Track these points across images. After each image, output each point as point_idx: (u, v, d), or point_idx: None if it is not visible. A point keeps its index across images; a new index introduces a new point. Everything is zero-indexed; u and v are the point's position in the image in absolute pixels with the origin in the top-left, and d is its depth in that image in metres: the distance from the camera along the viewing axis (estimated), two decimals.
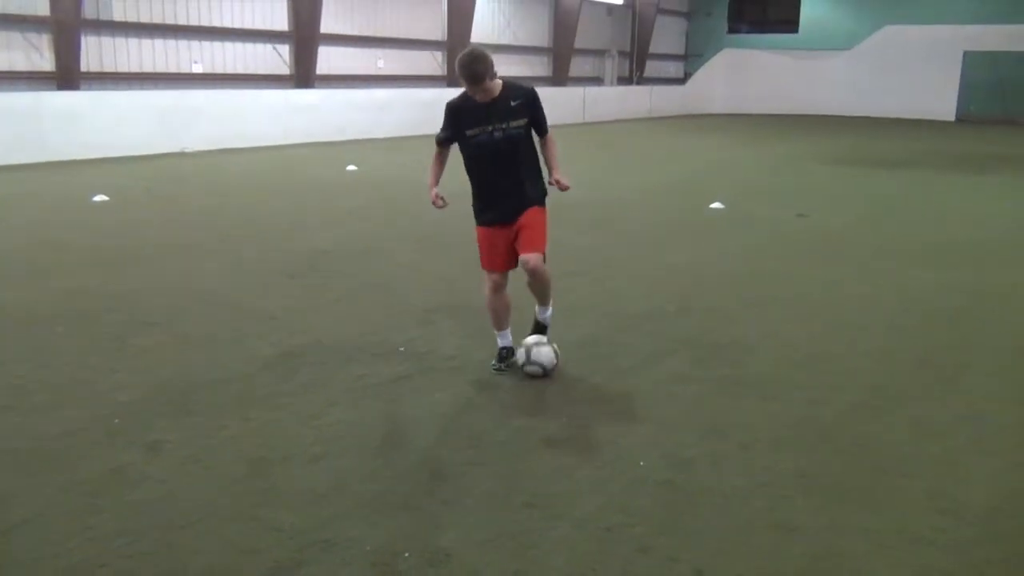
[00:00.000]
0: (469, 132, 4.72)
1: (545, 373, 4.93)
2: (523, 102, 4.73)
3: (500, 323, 5.10)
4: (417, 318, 6.07)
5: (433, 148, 4.93)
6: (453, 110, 4.79)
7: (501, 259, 4.91)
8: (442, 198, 4.79)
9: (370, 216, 10.27)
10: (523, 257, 4.79)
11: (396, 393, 4.67)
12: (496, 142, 4.70)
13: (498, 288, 4.97)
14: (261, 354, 5.26)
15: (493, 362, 5.12)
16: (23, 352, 5.23)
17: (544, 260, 4.86)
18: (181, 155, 16.18)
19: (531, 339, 5.03)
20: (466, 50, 4.59)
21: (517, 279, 5.01)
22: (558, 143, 5.03)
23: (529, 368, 4.94)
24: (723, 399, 4.69)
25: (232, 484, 3.62)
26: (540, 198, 4.90)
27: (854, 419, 4.46)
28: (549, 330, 5.19)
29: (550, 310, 5.18)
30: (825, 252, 8.63)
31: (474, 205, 4.95)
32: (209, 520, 3.32)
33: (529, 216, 4.81)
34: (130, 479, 3.64)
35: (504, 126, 4.69)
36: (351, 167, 14.86)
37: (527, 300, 5.22)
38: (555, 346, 5.02)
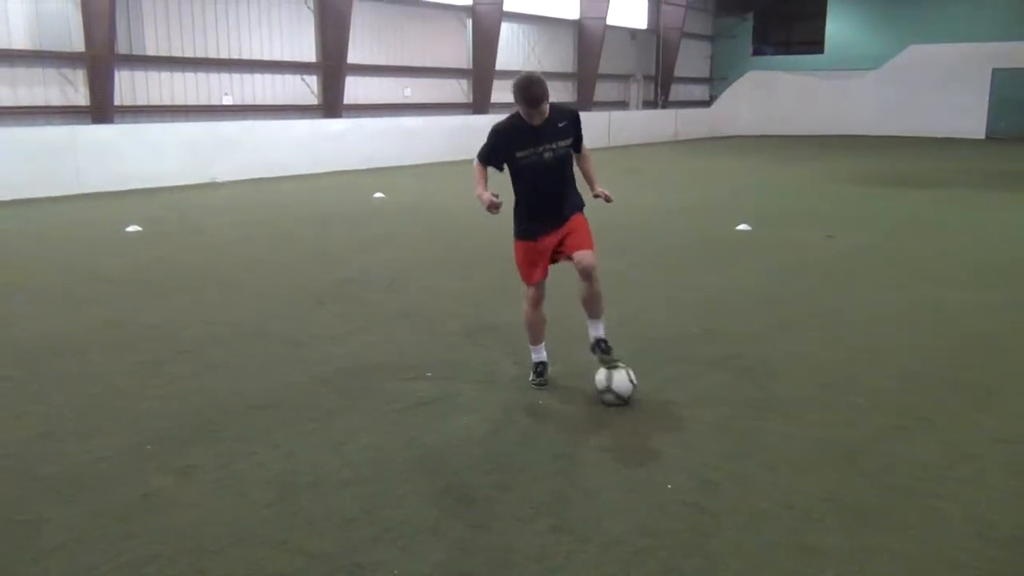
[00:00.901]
0: (519, 154, 4.88)
1: (624, 402, 4.86)
2: (569, 123, 4.95)
3: (537, 338, 5.23)
4: (444, 343, 6.11)
5: (472, 167, 5.11)
6: (501, 133, 4.93)
7: (542, 271, 5.04)
8: (496, 195, 4.86)
9: (397, 243, 10.36)
10: (577, 255, 4.86)
11: (423, 418, 4.71)
12: (546, 162, 4.89)
13: (537, 303, 5.10)
14: (290, 380, 5.32)
15: (531, 377, 5.23)
16: (60, 380, 5.33)
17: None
18: (212, 185, 16.44)
19: (606, 372, 4.89)
20: (523, 74, 4.76)
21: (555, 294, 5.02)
22: (592, 157, 5.24)
23: (607, 397, 4.86)
24: (750, 421, 4.67)
25: (262, 509, 3.66)
26: (581, 206, 5.09)
27: (883, 441, 4.42)
28: (613, 349, 5.04)
29: (602, 324, 5.08)
30: (853, 273, 8.57)
31: (517, 219, 5.07)
32: (239, 545, 3.37)
33: (574, 222, 4.99)
34: (162, 504, 3.70)
35: (554, 146, 4.88)
36: (378, 194, 15.01)
37: (564, 313, 5.22)
38: (630, 372, 4.91)
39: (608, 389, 4.87)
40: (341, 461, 4.15)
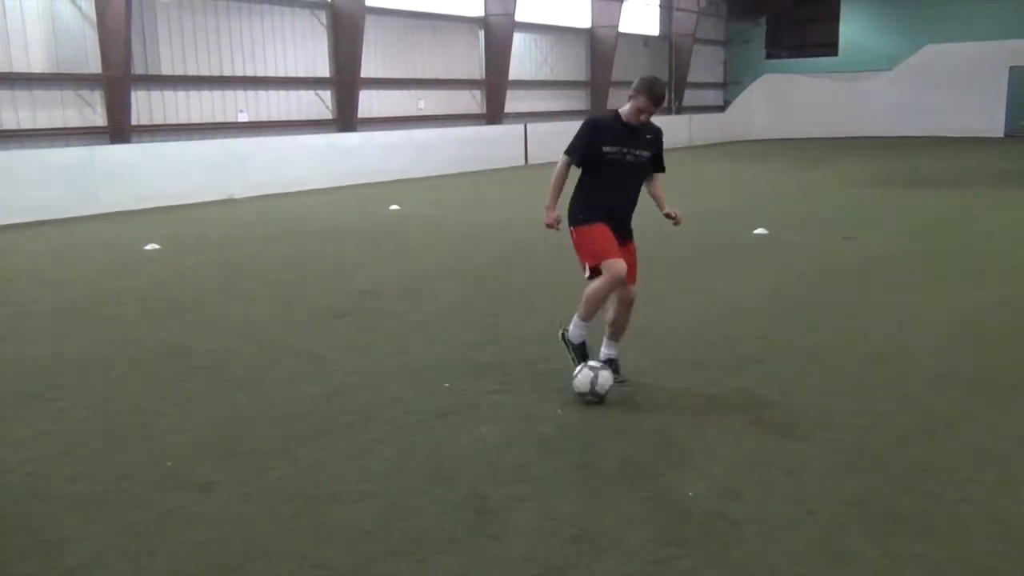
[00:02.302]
0: (606, 148, 5.05)
1: (601, 400, 4.99)
2: (654, 138, 5.19)
3: (592, 315, 5.21)
4: (461, 354, 6.10)
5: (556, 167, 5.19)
6: (594, 125, 5.15)
7: (619, 250, 5.06)
8: (559, 221, 5.23)
9: (413, 255, 10.38)
10: (628, 289, 5.16)
11: (441, 429, 4.70)
12: (627, 164, 5.10)
13: (619, 282, 5.04)
14: (308, 394, 5.33)
15: (570, 352, 5.28)
16: (81, 399, 5.36)
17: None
18: (230, 202, 16.55)
19: (586, 378, 4.99)
20: (653, 76, 5.09)
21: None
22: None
23: (590, 397, 4.99)
24: (772, 427, 4.63)
25: (282, 524, 3.66)
26: (632, 231, 5.28)
27: (907, 445, 4.37)
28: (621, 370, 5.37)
29: (618, 349, 5.39)
30: (873, 275, 8.50)
31: (580, 208, 5.18)
32: (260, 560, 3.36)
33: (631, 250, 5.23)
34: (183, 520, 3.70)
35: (637, 152, 5.10)
36: (394, 207, 15.06)
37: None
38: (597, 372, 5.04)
39: (593, 390, 4.97)
40: (360, 474, 4.14)
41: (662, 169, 5.30)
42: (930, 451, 4.27)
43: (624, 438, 4.53)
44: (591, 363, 5.07)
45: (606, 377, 4.98)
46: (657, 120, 5.22)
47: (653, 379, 5.46)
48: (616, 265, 4.97)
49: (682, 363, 5.80)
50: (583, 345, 5.27)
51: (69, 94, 16.11)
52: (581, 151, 5.11)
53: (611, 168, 5.08)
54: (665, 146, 5.27)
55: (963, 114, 32.89)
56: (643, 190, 5.30)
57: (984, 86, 32.61)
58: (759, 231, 11.06)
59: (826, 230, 11.26)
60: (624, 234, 5.20)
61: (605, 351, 5.35)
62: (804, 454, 4.25)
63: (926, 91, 33.70)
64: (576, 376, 5.02)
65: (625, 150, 5.06)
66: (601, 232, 5.07)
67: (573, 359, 5.24)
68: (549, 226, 5.25)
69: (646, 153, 5.13)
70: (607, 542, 3.43)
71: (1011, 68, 32.26)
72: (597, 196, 5.15)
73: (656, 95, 4.95)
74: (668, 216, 5.27)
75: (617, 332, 5.35)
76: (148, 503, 3.87)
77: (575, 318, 5.26)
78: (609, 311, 5.30)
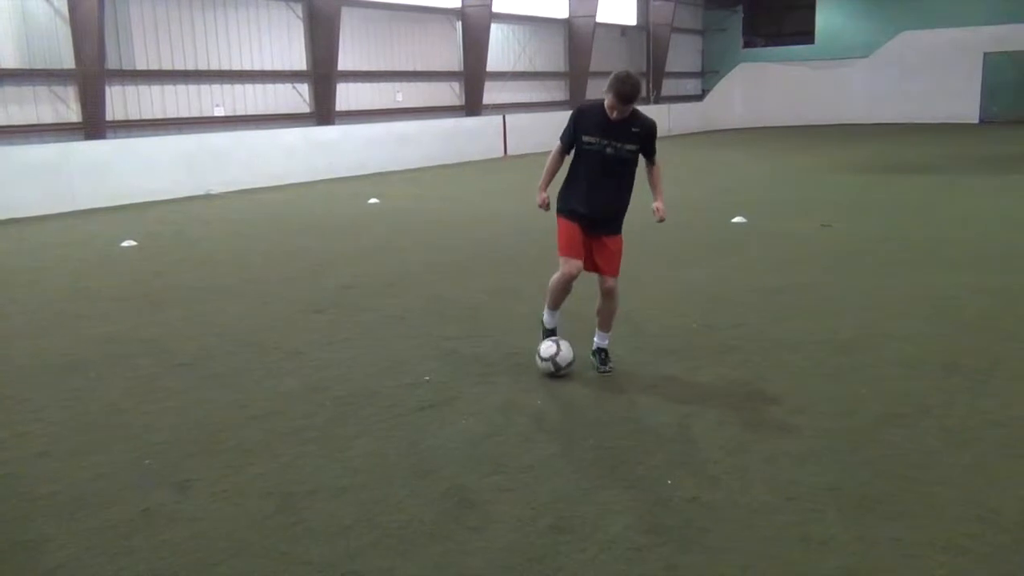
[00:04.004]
0: (586, 138, 5.09)
1: (557, 373, 5.29)
2: (641, 132, 5.11)
3: (558, 303, 5.44)
4: (442, 347, 6.11)
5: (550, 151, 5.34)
6: (579, 113, 5.19)
7: (578, 250, 5.21)
8: (549, 204, 5.29)
9: (394, 248, 10.36)
10: (608, 281, 5.24)
11: (422, 422, 4.70)
12: (607, 157, 5.07)
13: (571, 280, 5.24)
14: (288, 389, 5.32)
15: (543, 356, 5.37)
16: (58, 398, 5.32)
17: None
18: (207, 197, 16.44)
19: (549, 349, 5.30)
20: (626, 72, 4.96)
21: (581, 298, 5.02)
22: (663, 172, 5.41)
23: (565, 371, 5.28)
24: (749, 414, 4.67)
25: (262, 520, 3.65)
26: (621, 224, 5.31)
27: (883, 429, 4.42)
28: (611, 361, 5.48)
29: (609, 338, 5.47)
30: (850, 261, 8.57)
31: (563, 196, 5.27)
32: (240, 557, 3.36)
33: (614, 242, 5.26)
34: (161, 519, 3.69)
35: (618, 145, 5.06)
36: (373, 200, 15.01)
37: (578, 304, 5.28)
38: (566, 342, 5.31)
39: (552, 359, 5.27)
40: (340, 468, 4.14)
41: (651, 161, 5.27)
42: (905, 435, 4.32)
43: (603, 427, 4.55)
44: (558, 338, 5.34)
45: (566, 352, 5.24)
46: (641, 110, 5.20)
47: (632, 367, 5.48)
48: (567, 264, 5.20)
49: (660, 351, 5.83)
50: (552, 330, 5.51)
51: (42, 90, 15.92)
52: (567, 138, 5.20)
53: (591, 158, 5.10)
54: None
55: (939, 100, 33.12)
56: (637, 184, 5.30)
57: (959, 73, 32.84)
58: (737, 219, 11.12)
59: (803, 218, 11.33)
60: (606, 227, 5.21)
61: (595, 340, 5.48)
62: (781, 440, 4.29)
63: (902, 78, 33.93)
64: (540, 345, 5.34)
65: (605, 142, 5.04)
66: (567, 228, 5.23)
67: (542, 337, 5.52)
68: (540, 206, 5.31)
69: (631, 146, 5.08)
70: (587, 531, 3.45)
71: (985, 54, 32.51)
72: (577, 186, 5.21)
73: (622, 93, 4.86)
74: (655, 210, 5.28)
75: (601, 322, 5.42)
76: (126, 502, 3.85)
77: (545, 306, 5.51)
78: (598, 301, 5.41)
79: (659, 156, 5.30)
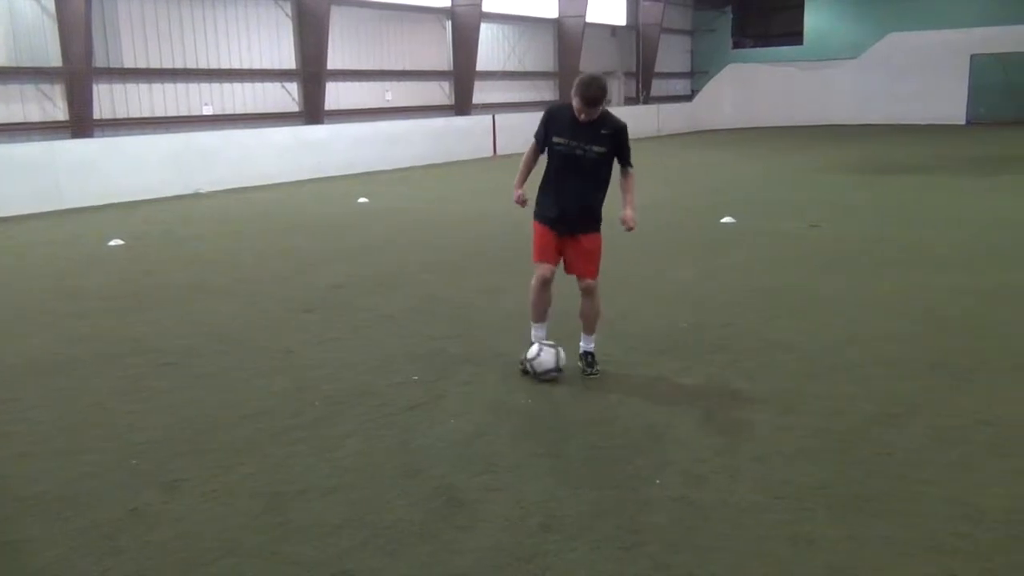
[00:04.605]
0: (555, 139, 5.09)
1: (559, 371, 5.22)
2: (611, 133, 5.05)
3: (538, 315, 5.39)
4: (431, 347, 6.10)
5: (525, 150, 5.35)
6: (548, 115, 5.20)
7: (550, 254, 5.25)
8: (526, 199, 5.29)
9: (383, 248, 10.34)
10: (584, 282, 5.22)
11: (411, 422, 4.69)
12: (576, 158, 5.06)
13: (545, 283, 5.25)
14: (277, 389, 5.30)
15: (522, 357, 5.37)
16: (44, 398, 5.28)
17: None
18: (195, 196, 16.36)
19: (530, 352, 5.27)
20: (590, 75, 4.96)
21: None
22: (636, 183, 5.34)
23: (544, 377, 5.21)
24: (738, 413, 4.68)
25: (250, 520, 3.64)
26: (598, 224, 5.26)
27: (871, 428, 4.43)
28: (597, 364, 5.42)
29: (594, 341, 5.42)
30: (839, 262, 8.60)
31: (538, 201, 5.29)
32: (228, 558, 3.34)
33: (589, 241, 5.20)
34: (149, 519, 3.67)
35: (587, 147, 5.03)
36: (363, 199, 14.98)
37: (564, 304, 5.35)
38: (554, 349, 5.25)
39: (557, 366, 5.22)
40: (330, 468, 4.13)
41: (626, 163, 5.21)
42: (893, 434, 4.34)
43: (592, 426, 4.56)
44: (547, 344, 5.31)
45: (545, 358, 5.22)
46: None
47: (621, 367, 5.49)
48: (538, 269, 5.25)
49: (650, 351, 5.84)
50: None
51: (29, 88, 15.82)
52: (540, 137, 5.21)
53: (561, 160, 5.09)
54: (633, 135, 5.24)
55: (926, 102, 33.27)
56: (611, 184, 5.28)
57: (946, 74, 33.00)
58: (726, 220, 11.15)
59: (792, 218, 11.37)
60: (580, 226, 5.17)
61: (581, 344, 5.44)
62: (770, 440, 4.30)
63: (890, 79, 34.07)
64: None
65: (575, 143, 5.02)
66: (539, 234, 5.27)
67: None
68: (516, 203, 5.34)
69: (600, 148, 5.03)
70: (575, 530, 3.45)
71: (972, 56, 32.68)
72: (548, 188, 5.24)
73: (588, 96, 4.83)
74: (622, 220, 5.19)
75: (584, 325, 5.38)
76: (113, 502, 3.83)
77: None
78: (579, 303, 5.38)
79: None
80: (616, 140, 5.08)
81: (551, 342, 5.30)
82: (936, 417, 4.55)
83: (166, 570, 3.26)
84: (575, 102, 4.90)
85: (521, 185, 5.32)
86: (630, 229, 5.20)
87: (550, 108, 5.25)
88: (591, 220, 5.20)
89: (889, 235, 10.00)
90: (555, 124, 5.09)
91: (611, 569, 3.17)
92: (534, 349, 5.26)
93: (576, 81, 4.91)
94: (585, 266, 5.22)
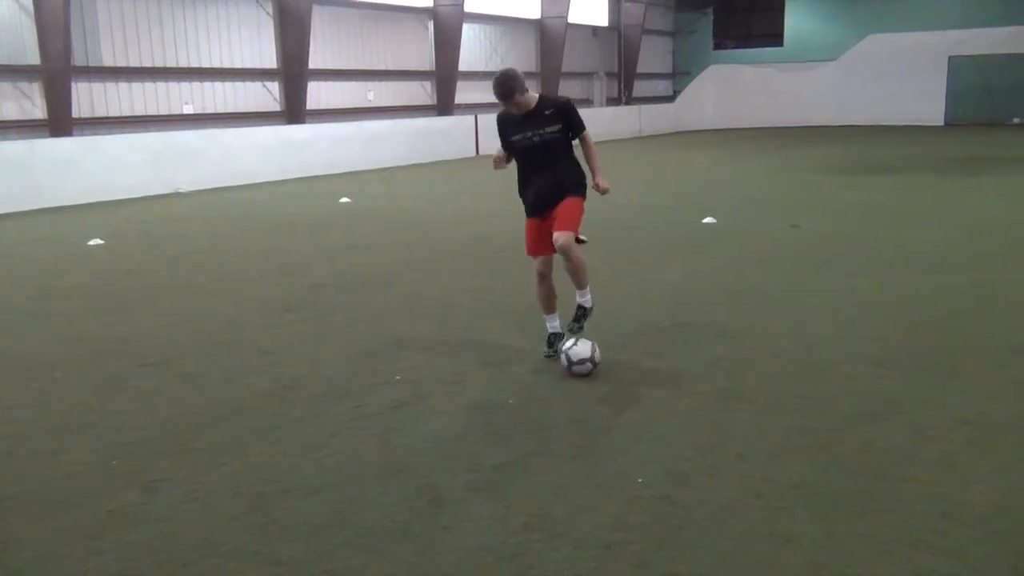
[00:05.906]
0: (513, 138, 5.40)
1: (595, 365, 5.26)
2: (555, 111, 5.33)
3: (547, 308, 5.68)
4: (414, 346, 6.09)
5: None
6: (499, 121, 5.51)
7: (543, 246, 5.44)
8: (502, 158, 5.50)
9: (365, 247, 10.31)
10: (554, 235, 5.27)
11: (394, 422, 4.69)
12: (535, 145, 5.33)
13: (543, 277, 5.50)
14: (259, 389, 5.28)
15: (544, 348, 5.61)
16: (23, 398, 5.24)
17: (575, 240, 5.29)
18: (176, 196, 16.26)
19: (567, 344, 5.34)
20: (500, 72, 5.30)
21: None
22: (595, 147, 5.50)
23: (577, 369, 5.24)
24: (720, 412, 4.70)
25: (232, 520, 3.62)
26: (577, 189, 5.40)
27: (852, 427, 4.47)
28: (588, 318, 5.55)
29: (588, 294, 5.54)
30: (819, 262, 8.67)
31: (522, 199, 5.56)
32: (210, 558, 3.33)
33: (565, 204, 5.34)
34: (130, 520, 3.65)
35: (541, 132, 5.30)
36: (345, 199, 14.93)
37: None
38: (590, 342, 5.31)
39: (592, 359, 5.25)
40: (312, 468, 4.12)
41: (581, 129, 5.38)
42: (873, 432, 4.38)
43: (575, 426, 4.57)
44: (573, 328, 5.51)
45: (582, 348, 5.28)
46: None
47: (604, 367, 5.49)
48: (534, 263, 5.50)
49: (632, 350, 5.85)
50: (555, 334, 5.68)
51: (6, 86, 15.68)
52: (503, 143, 5.50)
53: (525, 153, 5.39)
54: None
55: (905, 103, 33.56)
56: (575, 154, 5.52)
57: (925, 75, 33.33)
58: (708, 220, 11.20)
59: (773, 219, 11.43)
60: (558, 197, 5.35)
61: (577, 300, 5.57)
62: (751, 438, 4.33)
63: (869, 80, 34.37)
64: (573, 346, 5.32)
65: (530, 134, 5.30)
66: (528, 229, 5.50)
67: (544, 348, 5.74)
68: (495, 160, 5.53)
69: (552, 128, 5.29)
70: (558, 529, 3.46)
71: (950, 58, 33.01)
72: (524, 180, 5.51)
73: (499, 94, 5.18)
74: (595, 187, 5.42)
75: (571, 278, 5.46)
76: (94, 502, 3.81)
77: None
78: None
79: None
80: (563, 115, 5.33)
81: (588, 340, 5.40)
82: (916, 416, 4.59)
83: (148, 570, 3.24)
84: (501, 103, 5.25)
85: (499, 153, 5.53)
86: (605, 191, 5.43)
87: (498, 116, 5.51)
88: (566, 189, 5.37)
89: (868, 235, 10.08)
90: (507, 127, 5.41)
91: (594, 567, 3.18)
92: (571, 340, 5.36)
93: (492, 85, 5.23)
94: (561, 222, 5.27)
